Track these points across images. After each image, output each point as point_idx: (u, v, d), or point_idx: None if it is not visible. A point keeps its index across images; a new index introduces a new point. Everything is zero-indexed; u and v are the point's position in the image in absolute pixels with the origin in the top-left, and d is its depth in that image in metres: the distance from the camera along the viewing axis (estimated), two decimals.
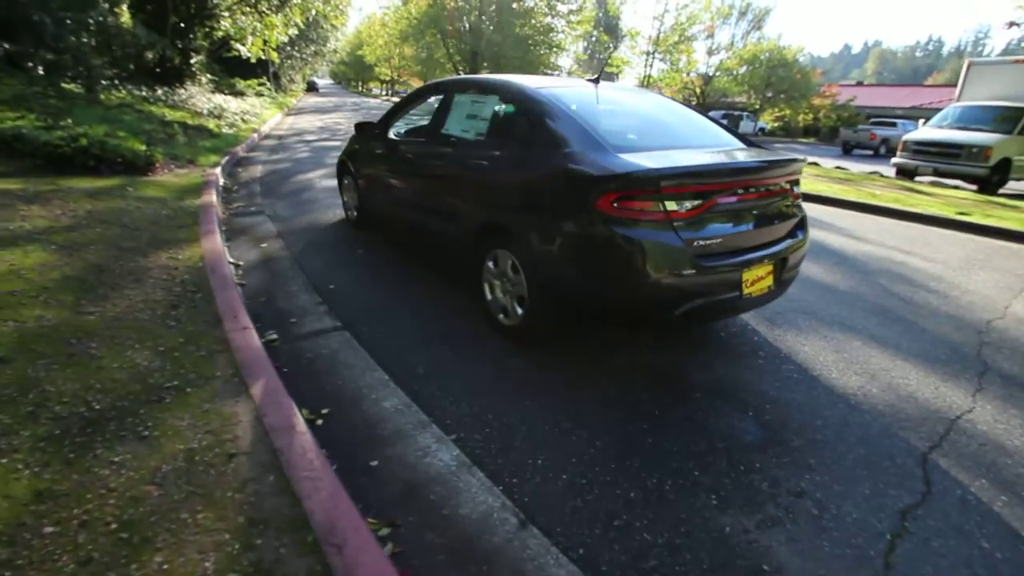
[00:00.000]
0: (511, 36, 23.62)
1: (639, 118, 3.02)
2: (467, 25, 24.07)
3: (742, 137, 3.20)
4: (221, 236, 4.38)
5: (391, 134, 4.36)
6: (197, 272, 3.48)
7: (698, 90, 29.78)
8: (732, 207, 2.50)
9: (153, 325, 2.70)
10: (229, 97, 16.38)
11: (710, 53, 30.38)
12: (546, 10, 24.29)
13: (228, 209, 5.64)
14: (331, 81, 78.46)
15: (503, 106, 3.06)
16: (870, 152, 23.98)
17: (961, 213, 7.50)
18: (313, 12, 18.57)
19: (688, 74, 26.95)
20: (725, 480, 2.04)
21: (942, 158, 10.84)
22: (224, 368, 2.38)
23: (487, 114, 3.15)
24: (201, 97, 13.91)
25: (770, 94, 30.03)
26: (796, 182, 2.88)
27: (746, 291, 2.55)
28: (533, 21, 24.20)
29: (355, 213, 5.04)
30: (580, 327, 3.06)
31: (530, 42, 24.40)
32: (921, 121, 15.69)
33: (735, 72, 28.24)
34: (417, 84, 49.92)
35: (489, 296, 3.12)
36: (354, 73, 57.37)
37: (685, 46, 25.84)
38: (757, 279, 2.60)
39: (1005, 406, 2.64)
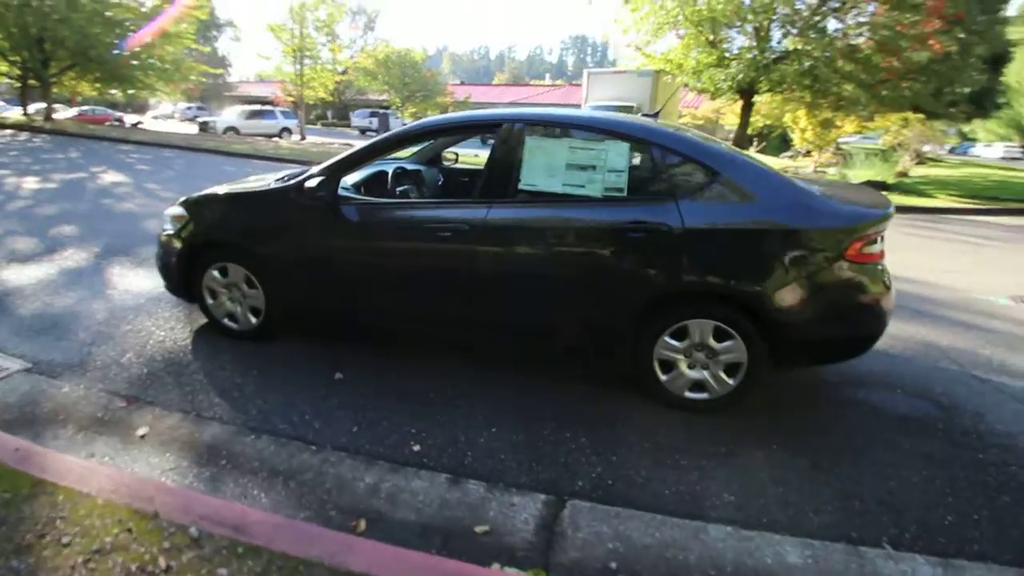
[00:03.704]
0: (97, 19, 17.50)
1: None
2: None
3: None
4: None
5: (353, 194, 2.93)
6: (173, 533, 1.66)
7: (330, 86, 29.17)
8: None
9: None
10: None
11: (333, 51, 30.12)
12: None
13: None
14: None
15: (654, 155, 2.52)
16: None
17: None
18: None
19: (337, 71, 26.06)
20: (992, 450, 2.49)
21: None
22: None
23: (616, 164, 2.53)
24: None
25: (407, 93, 32.32)
26: None
27: None
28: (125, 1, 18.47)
29: (255, 319, 3.18)
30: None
31: (131, 27, 18.66)
32: None
33: (373, 72, 29.01)
34: None
35: (663, 376, 2.65)
36: None
37: (333, 44, 24.76)
38: None
39: (925, 325, 4.02)
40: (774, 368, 2.61)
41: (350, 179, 3.08)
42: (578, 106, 19.95)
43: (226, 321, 3.26)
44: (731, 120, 24.24)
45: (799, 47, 11.59)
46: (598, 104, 15.47)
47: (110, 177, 9.51)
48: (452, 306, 2.79)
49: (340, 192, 2.89)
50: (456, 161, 4.50)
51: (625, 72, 15.87)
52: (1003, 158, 34.88)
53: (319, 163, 3.65)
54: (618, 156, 2.55)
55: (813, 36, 12.18)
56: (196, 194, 3.32)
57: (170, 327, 3.43)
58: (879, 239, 2.47)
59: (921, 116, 16.78)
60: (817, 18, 12.16)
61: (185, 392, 2.72)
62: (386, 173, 3.46)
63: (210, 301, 3.23)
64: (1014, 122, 36.63)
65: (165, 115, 35.82)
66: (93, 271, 4.40)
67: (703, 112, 29.78)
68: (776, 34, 13.47)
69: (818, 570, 1.82)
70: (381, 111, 33.38)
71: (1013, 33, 14.99)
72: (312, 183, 2.74)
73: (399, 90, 32.52)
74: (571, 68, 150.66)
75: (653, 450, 2.40)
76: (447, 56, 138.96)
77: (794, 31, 12.65)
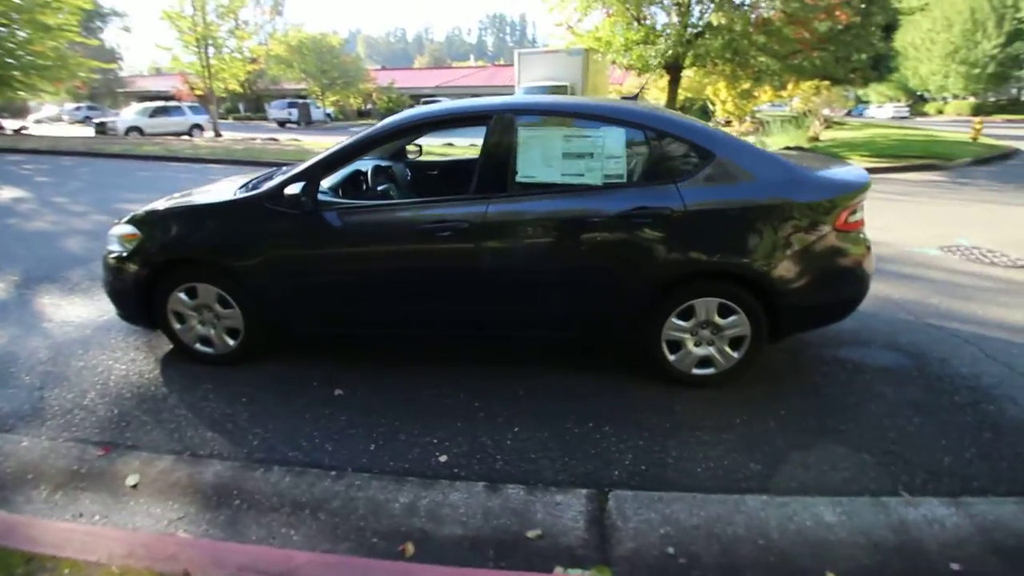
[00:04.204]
0: None
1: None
2: None
3: None
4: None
5: (332, 197, 2.74)
6: None
7: (242, 76, 27.02)
8: None
9: None
10: None
11: (240, 38, 27.88)
12: None
13: None
14: None
15: (650, 139, 2.51)
16: None
17: None
18: None
19: (251, 61, 24.13)
20: (964, 392, 2.74)
21: None
22: None
23: (614, 150, 2.50)
24: None
25: (327, 81, 30.72)
26: None
27: None
28: None
29: (233, 341, 2.93)
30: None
31: (2, 22, 16.36)
32: None
33: (288, 60, 27.17)
34: None
35: (671, 356, 2.70)
36: None
37: (239, 31, 22.84)
38: None
39: (877, 281, 4.34)
40: (772, 338, 2.73)
41: (326, 182, 2.87)
42: (511, 87, 19.75)
43: (198, 346, 2.98)
44: (654, 95, 25.03)
45: (722, 22, 12.05)
46: (531, 85, 15.43)
47: (7, 193, 8.41)
48: (457, 306, 2.71)
49: (319, 197, 2.69)
50: (420, 154, 4.33)
51: (556, 52, 15.86)
52: (893, 117, 38.38)
53: (287, 166, 3.41)
54: (615, 142, 2.53)
55: (729, 10, 12.69)
56: (145, 209, 2.99)
57: (130, 359, 3.10)
58: (860, 208, 2.63)
59: (827, 83, 18.07)
60: None
61: (169, 430, 2.47)
62: (359, 172, 3.27)
63: (177, 326, 2.94)
64: (900, 84, 40.30)
65: (51, 118, 32.07)
66: (19, 303, 3.89)
67: (628, 88, 30.49)
68: (696, 9, 13.95)
69: (852, 525, 1.93)
70: (300, 101, 31.62)
71: (896, 2, 16.34)
72: (293, 189, 2.53)
73: (317, 78, 30.84)
74: (491, 48, 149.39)
75: (674, 430, 2.46)
76: (361, 40, 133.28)
77: (710, 5, 13.14)
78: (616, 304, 2.63)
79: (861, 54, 14.23)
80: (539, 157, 2.56)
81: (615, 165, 2.52)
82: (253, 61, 27.07)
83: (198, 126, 22.82)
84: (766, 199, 2.47)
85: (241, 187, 3.00)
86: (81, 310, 3.77)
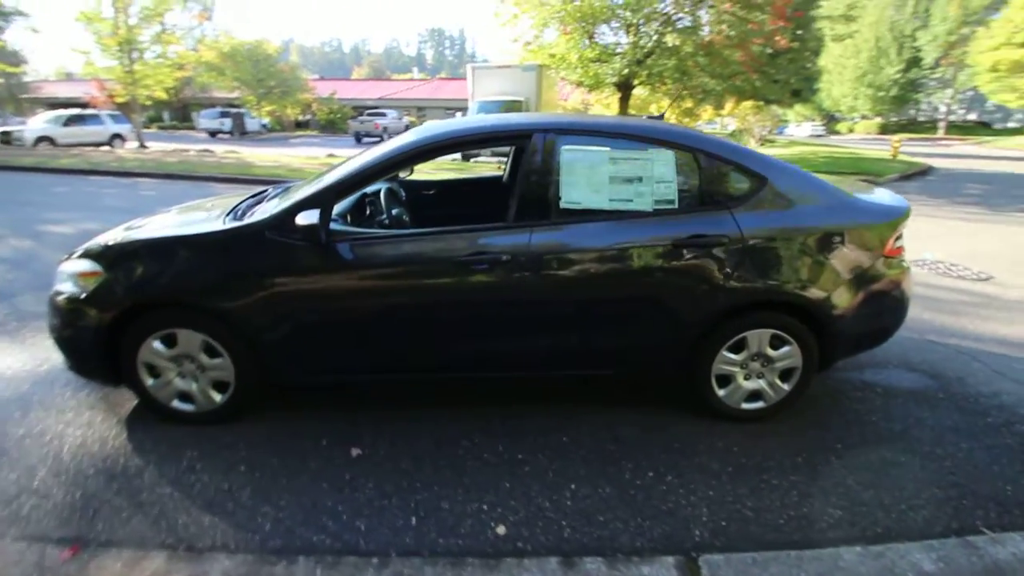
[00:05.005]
0: None
1: None
2: None
3: None
4: None
5: (343, 226, 2.39)
6: None
7: (169, 83, 25.11)
8: None
9: None
10: None
11: (164, 43, 25.98)
12: None
13: None
14: None
15: (700, 163, 2.36)
16: (377, 139, 27.61)
17: None
18: None
19: (179, 67, 22.32)
20: (994, 412, 2.75)
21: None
22: None
23: (664, 174, 2.31)
24: None
25: (263, 90, 29.20)
26: None
27: None
28: None
29: (220, 396, 2.48)
30: None
31: None
32: (459, 113, 19.39)
33: (219, 67, 25.55)
34: None
35: (720, 391, 2.55)
36: None
37: (167, 35, 21.16)
38: None
39: None
40: (819, 366, 2.64)
41: (336, 208, 2.50)
42: (457, 101, 19.55)
43: (176, 403, 2.50)
44: (597, 111, 25.61)
45: (676, 43, 12.46)
46: (485, 100, 15.28)
47: None
48: (494, 345, 2.42)
49: (331, 226, 2.33)
50: (411, 173, 4.01)
51: (510, 67, 15.85)
52: (811, 135, 41.58)
53: (273, 188, 3.02)
54: (665, 165, 2.35)
55: (680, 33, 13.15)
56: (106, 240, 2.50)
57: (86, 422, 2.56)
58: (902, 234, 2.60)
59: (761, 103, 19.22)
60: (681, 15, 13.14)
61: (153, 517, 2.01)
62: (364, 194, 2.91)
63: (149, 381, 2.45)
64: (816, 104, 43.73)
65: None
66: None
67: (572, 104, 31.09)
68: (643, 30, 14.36)
69: (952, 572, 1.82)
70: (233, 110, 29.89)
71: (830, 29, 17.67)
72: (308, 219, 2.15)
73: (252, 86, 29.27)
74: (431, 61, 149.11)
75: (741, 474, 2.28)
76: (295, 48, 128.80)
77: (651, 27, 13.55)
78: (667, 338, 2.44)
79: (795, 76, 15.17)
80: (584, 181, 2.34)
81: (665, 190, 2.34)
82: (181, 68, 25.30)
83: (119, 136, 20.96)
84: (821, 225, 2.38)
85: (228, 214, 2.57)
86: (10, 359, 3.13)
